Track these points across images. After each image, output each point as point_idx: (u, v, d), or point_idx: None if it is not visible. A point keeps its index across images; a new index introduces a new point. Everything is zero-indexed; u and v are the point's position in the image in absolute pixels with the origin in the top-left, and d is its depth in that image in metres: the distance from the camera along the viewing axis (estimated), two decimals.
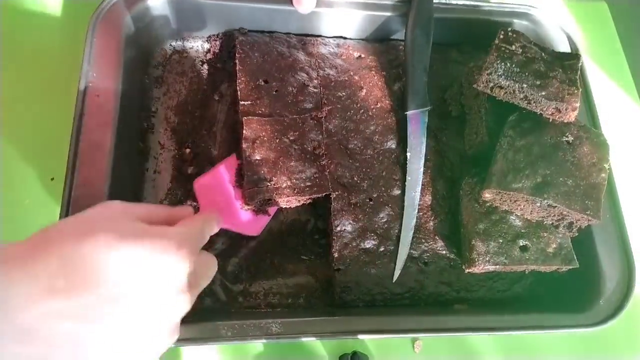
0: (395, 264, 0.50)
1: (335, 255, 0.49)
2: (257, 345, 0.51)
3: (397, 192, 0.52)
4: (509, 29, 0.50)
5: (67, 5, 0.60)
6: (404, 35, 0.54)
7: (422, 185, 0.52)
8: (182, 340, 0.42)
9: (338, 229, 0.49)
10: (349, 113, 0.54)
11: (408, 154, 0.53)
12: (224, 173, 0.48)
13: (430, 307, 0.50)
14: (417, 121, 0.53)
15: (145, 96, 0.55)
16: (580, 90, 0.47)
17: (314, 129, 0.50)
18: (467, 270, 0.49)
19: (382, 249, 0.50)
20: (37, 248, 0.27)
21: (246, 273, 0.50)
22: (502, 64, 0.47)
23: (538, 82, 0.46)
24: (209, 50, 0.58)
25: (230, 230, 0.48)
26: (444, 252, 0.51)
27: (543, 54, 0.49)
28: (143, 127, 0.54)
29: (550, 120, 0.47)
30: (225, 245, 0.51)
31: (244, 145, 0.47)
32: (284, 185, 0.47)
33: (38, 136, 0.54)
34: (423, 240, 0.51)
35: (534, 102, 0.47)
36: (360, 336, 0.44)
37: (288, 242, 0.52)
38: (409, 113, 0.53)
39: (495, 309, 0.51)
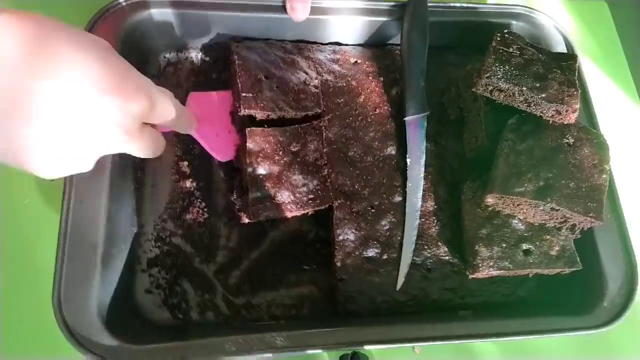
0: (398, 271, 0.49)
1: (338, 264, 0.48)
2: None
3: (398, 198, 0.52)
4: (505, 30, 0.50)
5: (60, 18, 0.59)
6: (400, 39, 0.54)
7: (423, 190, 0.52)
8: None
9: (340, 238, 0.49)
10: (347, 120, 0.53)
11: (408, 160, 0.52)
12: (217, 99, 0.52)
13: (434, 314, 0.50)
14: (416, 126, 0.53)
15: None
16: (579, 91, 0.46)
17: (315, 139, 0.50)
18: (470, 276, 0.49)
19: (385, 256, 0.50)
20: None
21: (248, 285, 0.50)
22: (501, 66, 0.47)
23: (538, 84, 0.46)
24: (203, 61, 0.57)
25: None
26: (447, 257, 0.51)
27: (540, 55, 0.49)
28: None
29: (550, 122, 0.47)
30: (226, 258, 0.50)
31: (247, 160, 0.46)
32: (288, 200, 0.47)
33: None
34: (426, 247, 0.51)
35: (534, 105, 0.46)
36: (366, 347, 0.44)
37: (290, 252, 0.52)
38: (407, 118, 0.53)
39: (499, 314, 0.50)
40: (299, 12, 0.52)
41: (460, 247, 0.51)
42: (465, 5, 0.56)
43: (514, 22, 0.58)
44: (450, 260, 0.51)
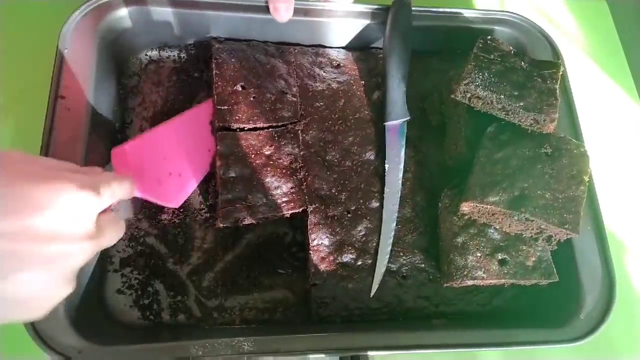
0: (373, 278, 0.49)
1: (312, 269, 0.48)
2: None
3: (375, 204, 0.51)
4: (489, 37, 0.49)
5: (39, 15, 0.60)
6: (383, 43, 0.54)
7: (401, 197, 0.51)
8: None
9: (315, 242, 0.49)
10: (327, 124, 0.53)
11: (387, 166, 0.52)
12: (141, 144, 0.47)
13: (408, 322, 0.49)
14: (395, 132, 0.52)
15: (119, 107, 0.54)
16: (560, 100, 0.46)
17: (290, 143, 0.49)
18: (445, 285, 0.48)
19: (360, 262, 0.49)
20: None
21: (222, 288, 0.50)
22: (480, 73, 0.46)
23: (516, 93, 0.45)
24: (185, 60, 0.57)
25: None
26: (422, 265, 0.50)
27: (522, 63, 0.48)
28: (117, 139, 0.53)
29: (529, 131, 0.47)
30: (200, 260, 0.50)
31: (218, 163, 0.46)
32: (260, 202, 0.46)
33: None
34: (401, 254, 0.50)
35: (512, 113, 0.46)
36: (334, 354, 0.44)
37: (265, 256, 0.51)
38: (387, 124, 0.52)
39: (475, 323, 0.50)
40: (282, 12, 0.52)
41: (437, 255, 0.50)
42: (449, 10, 0.56)
43: (499, 28, 0.57)
44: (426, 268, 0.50)
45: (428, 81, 0.57)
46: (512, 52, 0.49)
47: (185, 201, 0.51)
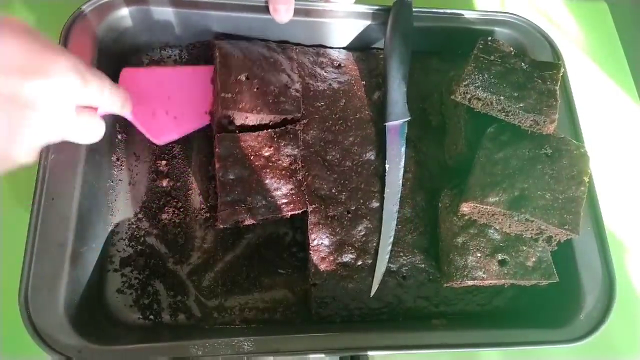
0: (373, 278, 0.49)
1: (312, 269, 0.48)
2: None
3: (375, 204, 0.51)
4: (489, 38, 0.50)
5: (39, 14, 0.60)
6: (384, 43, 0.54)
7: (401, 197, 0.51)
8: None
9: (315, 242, 0.49)
10: (327, 124, 0.53)
11: (387, 166, 0.52)
12: (156, 75, 0.51)
13: (408, 322, 0.49)
14: (396, 132, 0.52)
15: None
16: (560, 101, 0.46)
17: (289, 144, 0.49)
18: (445, 285, 0.49)
19: (360, 262, 0.49)
20: None
21: (222, 288, 0.50)
22: (480, 75, 0.46)
23: (516, 94, 0.46)
24: (186, 60, 0.57)
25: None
26: (422, 265, 0.50)
27: (523, 64, 0.48)
28: (118, 138, 0.53)
29: (529, 132, 0.47)
30: (200, 260, 0.50)
31: (217, 165, 0.46)
32: (259, 204, 0.46)
33: None
34: (402, 254, 0.50)
35: (512, 114, 0.46)
36: (334, 354, 0.44)
37: (265, 255, 0.51)
38: (388, 124, 0.52)
39: (475, 323, 0.50)
40: (281, 13, 0.52)
41: (437, 255, 0.50)
42: (450, 11, 0.56)
43: (500, 29, 0.57)
44: (426, 268, 0.50)
45: (428, 81, 0.57)
46: (513, 53, 0.49)
47: (186, 201, 0.51)
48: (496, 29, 0.57)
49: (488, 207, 0.44)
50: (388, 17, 0.53)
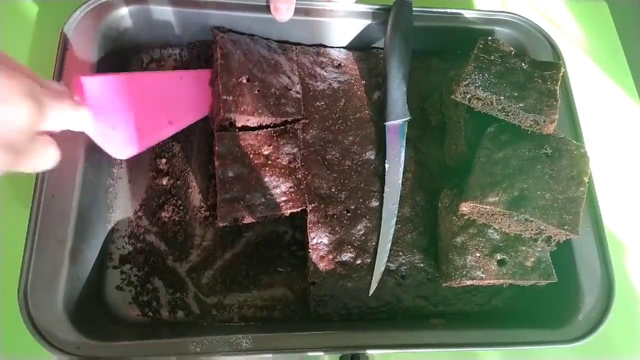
0: (372, 277, 0.49)
1: (311, 268, 0.48)
2: None
3: (375, 203, 0.51)
4: (489, 38, 0.50)
5: (40, 14, 0.60)
6: (384, 43, 0.54)
7: (400, 196, 0.51)
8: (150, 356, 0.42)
9: (314, 241, 0.49)
10: (327, 123, 0.53)
11: (387, 165, 0.52)
12: (115, 82, 0.45)
13: (407, 321, 0.49)
14: (395, 132, 0.52)
15: None
16: (560, 101, 0.46)
17: (289, 142, 0.49)
18: (444, 284, 0.49)
19: (359, 261, 0.49)
20: None
21: (221, 285, 0.50)
22: (480, 74, 0.46)
23: (516, 94, 0.46)
24: (187, 59, 0.57)
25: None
26: (421, 265, 0.50)
27: (523, 64, 0.48)
28: None
29: (529, 132, 0.47)
30: (199, 257, 0.50)
31: (216, 163, 0.46)
32: (258, 202, 0.46)
33: None
34: (401, 253, 0.50)
35: (512, 114, 0.46)
36: (333, 352, 0.44)
37: (264, 254, 0.52)
38: (387, 123, 0.52)
39: (474, 323, 0.50)
40: (282, 12, 0.52)
41: (436, 255, 0.50)
42: (450, 10, 0.56)
43: (500, 28, 0.57)
44: (425, 268, 0.50)
45: (428, 81, 0.57)
46: (513, 52, 0.49)
47: (186, 199, 0.51)
48: (496, 28, 0.57)
49: (487, 207, 0.44)
50: (388, 17, 0.53)
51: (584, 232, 0.49)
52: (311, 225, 0.49)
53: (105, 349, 0.42)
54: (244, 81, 0.49)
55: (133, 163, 0.52)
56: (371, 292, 0.49)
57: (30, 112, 0.30)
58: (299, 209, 0.48)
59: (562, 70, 0.48)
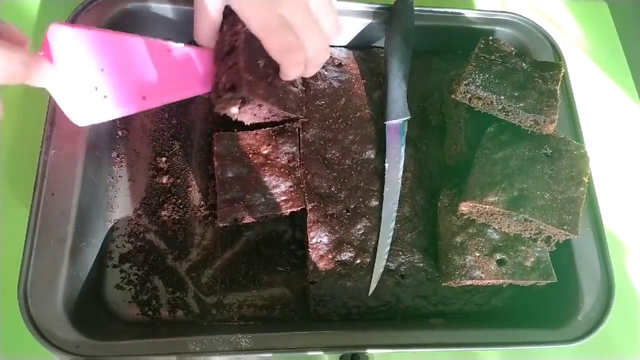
0: (371, 276, 0.49)
1: (311, 267, 0.48)
2: None
3: (375, 203, 0.51)
4: (490, 37, 0.50)
5: (41, 12, 0.60)
6: (385, 42, 0.54)
7: (400, 196, 0.51)
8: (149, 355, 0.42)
9: (314, 240, 0.49)
10: (327, 122, 0.53)
11: (386, 165, 0.52)
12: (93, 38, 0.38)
13: (406, 321, 0.49)
14: (396, 131, 0.52)
15: None
16: (560, 102, 0.46)
17: (288, 141, 0.49)
18: (443, 284, 0.49)
19: (358, 261, 0.49)
20: None
21: (220, 285, 0.50)
22: (480, 74, 0.46)
23: (516, 94, 0.46)
24: None
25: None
26: (421, 264, 0.50)
27: (523, 64, 0.48)
28: (118, 134, 0.53)
29: (529, 132, 0.47)
30: (199, 256, 0.50)
31: (215, 163, 0.46)
32: (258, 202, 0.46)
33: (7, 145, 0.53)
34: (400, 253, 0.50)
35: (512, 114, 0.46)
36: (332, 352, 0.44)
37: (264, 253, 0.52)
38: (388, 123, 0.52)
39: (473, 323, 0.50)
40: (292, 76, 0.45)
41: (436, 254, 0.50)
42: (451, 10, 0.56)
43: (501, 28, 0.57)
44: (425, 268, 0.50)
45: (429, 81, 0.57)
46: (513, 52, 0.49)
47: (186, 198, 0.51)
48: (497, 28, 0.57)
49: (487, 206, 0.44)
50: (389, 16, 0.53)
51: (583, 232, 0.49)
52: (311, 224, 0.49)
53: (105, 348, 0.42)
54: (262, 65, 0.45)
55: (133, 161, 0.52)
56: (371, 291, 0.49)
57: None
58: (299, 208, 0.48)
59: (563, 70, 0.48)
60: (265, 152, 0.48)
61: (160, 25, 0.54)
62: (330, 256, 0.49)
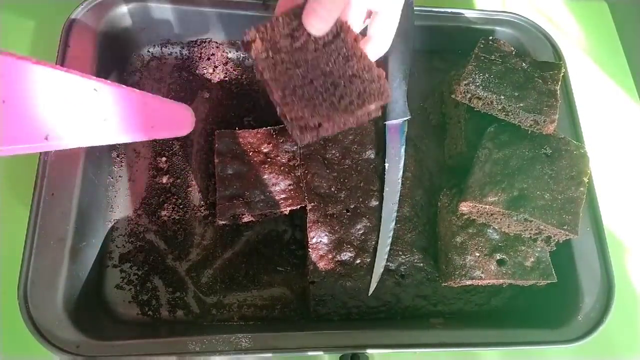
0: (371, 276, 0.49)
1: (310, 267, 0.48)
2: None
3: (374, 203, 0.51)
4: (490, 37, 0.50)
5: (40, 12, 0.60)
6: None
7: (400, 196, 0.51)
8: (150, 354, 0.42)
9: (314, 240, 0.49)
10: None
11: (386, 164, 0.52)
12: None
13: (406, 321, 0.49)
14: (396, 131, 0.52)
15: None
16: (560, 102, 0.46)
17: (288, 140, 0.50)
18: (443, 284, 0.49)
19: (358, 261, 0.49)
20: None
21: (220, 284, 0.50)
22: (480, 74, 0.46)
23: (516, 94, 0.46)
24: (187, 57, 0.57)
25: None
26: (421, 264, 0.50)
27: (524, 64, 0.48)
28: None
29: (529, 132, 0.47)
30: (199, 256, 0.50)
31: (215, 160, 0.46)
32: (257, 199, 0.46)
33: None
34: (400, 253, 0.50)
35: (512, 114, 0.46)
36: (332, 352, 0.44)
37: (264, 253, 0.52)
38: (388, 123, 0.52)
39: (473, 323, 0.50)
40: (317, 19, 0.35)
41: (436, 254, 0.50)
42: (451, 10, 0.56)
43: (501, 28, 0.57)
44: (425, 268, 0.50)
45: (429, 81, 0.57)
46: (513, 52, 0.49)
47: (186, 198, 0.51)
48: (497, 28, 0.57)
49: (487, 206, 0.44)
50: None
51: (583, 232, 0.49)
52: (311, 224, 0.49)
53: (105, 347, 0.42)
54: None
55: (133, 161, 0.52)
56: (371, 291, 0.49)
57: None
58: (298, 207, 0.48)
59: (563, 70, 0.48)
60: (265, 150, 0.48)
61: (159, 25, 0.54)
62: (330, 256, 0.49)
